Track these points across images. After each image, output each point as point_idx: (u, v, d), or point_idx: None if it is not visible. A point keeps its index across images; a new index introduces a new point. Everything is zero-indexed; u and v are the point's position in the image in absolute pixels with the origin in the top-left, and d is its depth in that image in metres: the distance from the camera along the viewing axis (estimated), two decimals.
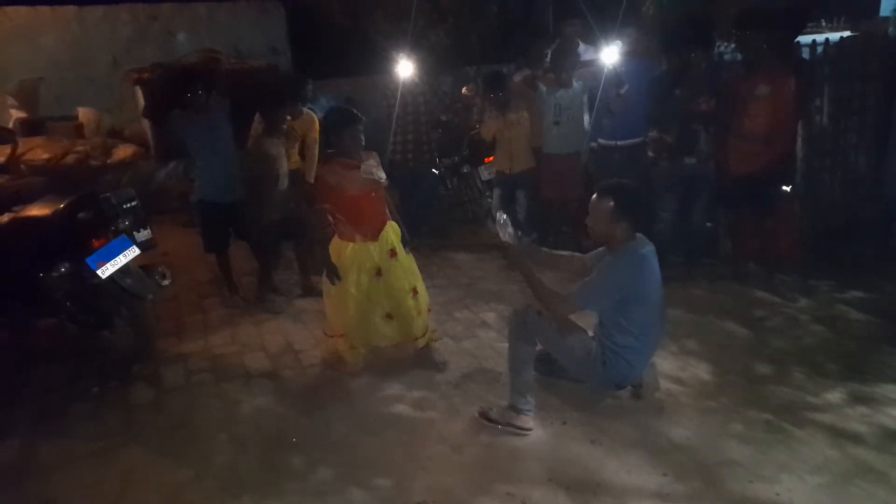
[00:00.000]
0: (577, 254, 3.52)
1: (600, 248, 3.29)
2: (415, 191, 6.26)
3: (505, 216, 3.37)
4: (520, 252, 3.33)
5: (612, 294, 3.08)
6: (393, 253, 3.77)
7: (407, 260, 3.85)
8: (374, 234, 3.73)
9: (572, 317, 3.23)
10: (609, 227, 3.11)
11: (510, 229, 3.34)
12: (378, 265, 3.73)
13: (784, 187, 4.61)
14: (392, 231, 3.82)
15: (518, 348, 3.24)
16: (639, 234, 3.16)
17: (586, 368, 3.25)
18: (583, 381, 3.44)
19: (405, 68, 5.78)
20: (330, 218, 3.72)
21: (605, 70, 4.92)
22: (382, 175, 3.71)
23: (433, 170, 6.46)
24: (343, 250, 3.73)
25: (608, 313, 3.18)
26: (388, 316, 3.81)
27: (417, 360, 3.95)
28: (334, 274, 3.72)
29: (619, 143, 5.15)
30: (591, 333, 3.31)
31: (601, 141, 5.33)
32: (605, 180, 3.27)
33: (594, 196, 3.16)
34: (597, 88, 5.10)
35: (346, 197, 3.64)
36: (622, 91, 4.88)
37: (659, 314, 3.26)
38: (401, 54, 5.77)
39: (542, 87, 5.43)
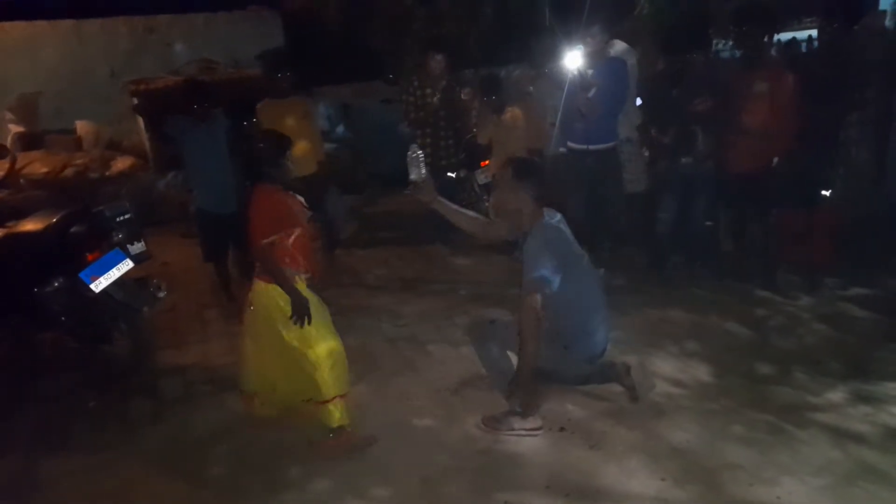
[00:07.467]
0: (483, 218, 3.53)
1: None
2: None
3: (420, 151, 3.22)
4: (433, 192, 3.30)
5: (554, 264, 3.06)
6: None
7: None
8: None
9: None
10: (515, 199, 3.15)
11: (422, 168, 3.24)
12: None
13: (823, 192, 4.63)
14: None
15: (491, 355, 3.32)
16: (546, 208, 3.20)
17: (559, 357, 3.25)
18: (564, 375, 3.42)
19: (436, 66, 5.63)
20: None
21: (570, 75, 4.76)
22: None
23: (448, 173, 6.29)
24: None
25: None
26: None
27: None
28: (307, 315, 3.07)
29: (590, 147, 5.03)
30: None
31: (572, 145, 5.16)
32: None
33: (495, 175, 3.22)
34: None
35: (301, 226, 3.21)
36: (590, 95, 4.72)
37: (592, 276, 3.32)
38: (433, 52, 5.65)
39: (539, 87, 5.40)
